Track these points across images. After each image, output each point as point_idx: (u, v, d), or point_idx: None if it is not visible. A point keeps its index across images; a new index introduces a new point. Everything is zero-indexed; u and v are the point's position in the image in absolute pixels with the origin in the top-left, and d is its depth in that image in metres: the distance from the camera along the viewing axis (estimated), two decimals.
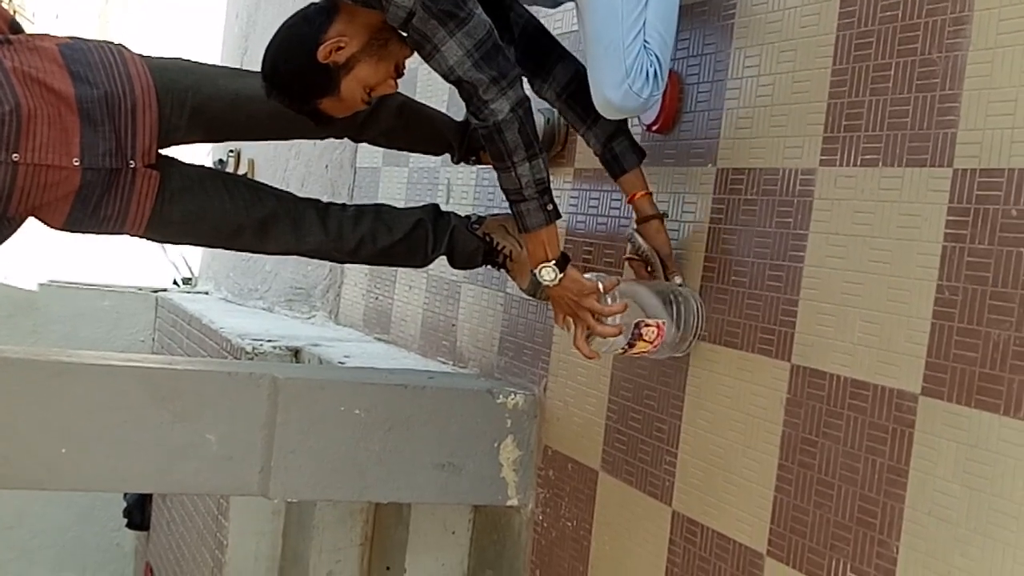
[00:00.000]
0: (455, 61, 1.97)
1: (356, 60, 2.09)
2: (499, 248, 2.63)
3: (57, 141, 2.26)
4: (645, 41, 2.11)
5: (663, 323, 2.17)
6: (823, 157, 1.97)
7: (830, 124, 1.96)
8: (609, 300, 2.11)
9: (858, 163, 1.90)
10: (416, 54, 2.11)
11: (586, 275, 2.16)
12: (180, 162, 2.49)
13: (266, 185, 2.66)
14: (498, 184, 2.11)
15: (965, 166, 1.70)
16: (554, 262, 2.09)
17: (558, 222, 2.13)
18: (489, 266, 2.72)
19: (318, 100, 2.14)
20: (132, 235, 2.46)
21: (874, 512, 1.81)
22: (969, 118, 1.70)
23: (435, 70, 2.01)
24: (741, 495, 2.11)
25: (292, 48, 2.12)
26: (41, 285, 5.60)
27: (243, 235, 2.53)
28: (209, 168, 2.66)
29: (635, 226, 2.31)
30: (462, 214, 2.73)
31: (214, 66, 2.61)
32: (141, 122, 2.34)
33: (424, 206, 2.71)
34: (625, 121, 2.32)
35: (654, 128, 2.40)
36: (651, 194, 2.31)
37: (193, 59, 2.55)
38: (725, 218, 2.21)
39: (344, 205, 2.67)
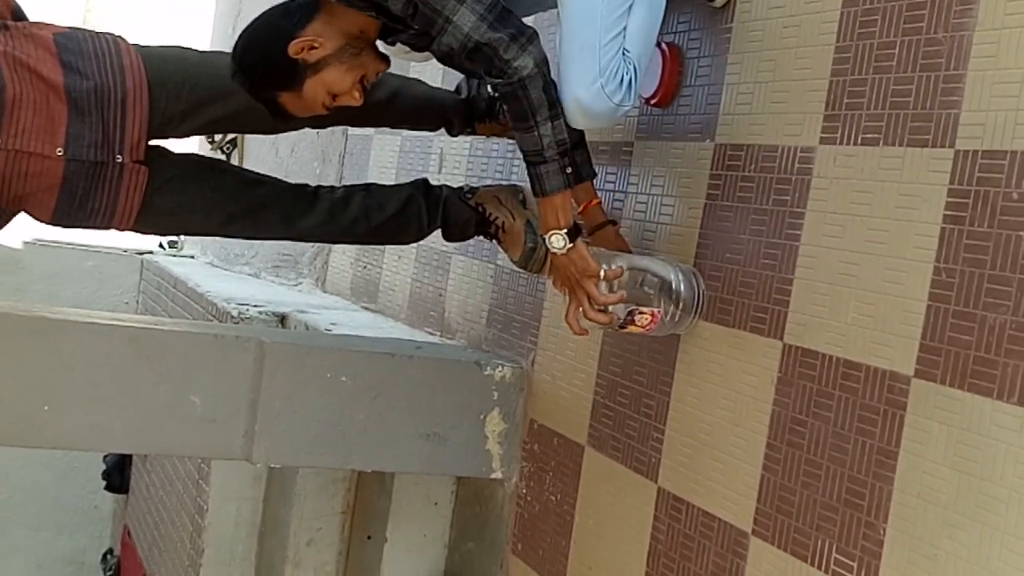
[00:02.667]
0: (471, 27, 1.95)
1: (326, 63, 2.09)
2: (492, 219, 2.61)
3: (42, 129, 2.23)
4: (625, 49, 2.08)
5: (658, 312, 2.16)
6: (823, 135, 1.95)
7: (831, 102, 1.94)
8: (604, 288, 2.09)
9: (858, 142, 1.88)
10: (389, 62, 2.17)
11: (597, 249, 2.13)
12: (169, 152, 2.46)
13: (256, 172, 2.65)
14: (517, 146, 2.08)
15: (967, 147, 1.68)
16: (565, 231, 2.07)
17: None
18: (481, 237, 2.70)
19: (278, 92, 2.14)
20: (121, 229, 2.44)
21: (862, 494, 1.80)
22: (973, 99, 1.68)
23: (449, 44, 1.98)
24: (728, 473, 2.10)
25: (266, 36, 2.13)
26: (25, 243, 5.56)
27: (234, 223, 2.53)
28: (199, 156, 2.62)
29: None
30: (453, 186, 2.71)
31: (218, 55, 2.56)
32: (131, 116, 2.31)
33: (414, 181, 2.69)
34: (584, 134, 2.32)
35: (652, 102, 2.38)
36: (601, 203, 2.38)
37: (195, 49, 2.52)
38: (721, 194, 2.19)
39: (332, 187, 2.66)
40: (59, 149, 2.25)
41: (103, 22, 9.90)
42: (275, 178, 2.64)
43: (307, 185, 2.64)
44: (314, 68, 2.09)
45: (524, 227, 2.55)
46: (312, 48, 2.08)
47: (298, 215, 2.56)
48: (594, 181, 2.36)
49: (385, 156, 3.84)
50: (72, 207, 2.33)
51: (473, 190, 2.66)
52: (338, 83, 2.12)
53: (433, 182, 2.70)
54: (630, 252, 2.33)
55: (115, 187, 2.33)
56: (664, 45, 2.34)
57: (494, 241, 2.67)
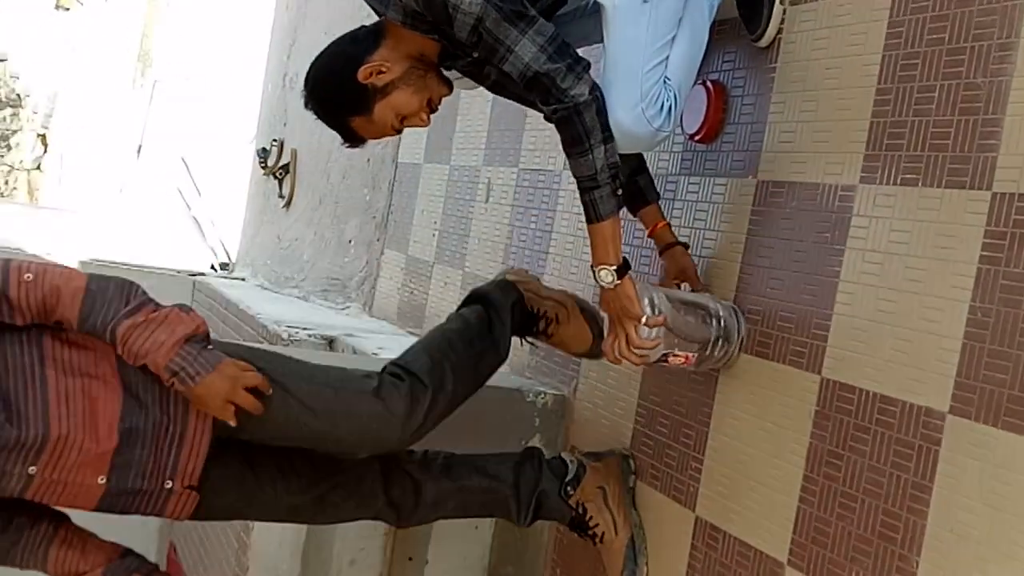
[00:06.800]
0: (531, 57, 2.01)
1: (394, 86, 2.16)
2: (592, 525, 2.44)
3: (86, 465, 2.03)
4: (666, 77, 2.15)
5: (692, 355, 2.21)
6: (863, 174, 1.99)
7: (872, 142, 1.99)
8: (644, 332, 2.13)
9: (898, 182, 1.92)
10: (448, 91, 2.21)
11: (643, 286, 2.17)
12: (230, 444, 2.18)
13: (329, 456, 2.33)
14: (572, 174, 2.12)
15: (1004, 190, 1.72)
16: (615, 267, 2.11)
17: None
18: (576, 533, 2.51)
19: (350, 117, 2.20)
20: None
21: (896, 527, 1.83)
22: (1010, 143, 1.72)
23: (510, 72, 2.05)
24: (765, 504, 2.13)
25: (336, 64, 2.20)
26: (82, 263, 5.68)
27: (299, 514, 2.37)
28: (263, 448, 2.25)
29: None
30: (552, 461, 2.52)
31: (298, 365, 2.24)
32: (187, 450, 2.10)
33: (505, 466, 2.48)
34: (645, 159, 2.39)
35: (697, 138, 2.43)
36: (670, 225, 2.41)
37: (282, 353, 2.30)
38: (763, 230, 2.23)
39: (407, 475, 2.40)
40: (102, 478, 2.05)
41: (162, 60, 10.09)
42: (349, 461, 2.35)
43: (374, 461, 2.37)
44: (383, 92, 2.16)
45: (626, 549, 2.43)
46: (380, 72, 2.14)
47: (366, 502, 2.36)
48: (660, 204, 2.41)
49: (433, 185, 3.91)
50: (115, 511, 2.16)
51: (578, 477, 2.46)
52: (406, 105, 2.18)
53: (526, 466, 2.48)
54: (695, 273, 2.35)
55: (161, 505, 2.15)
56: (709, 82, 2.39)
57: (587, 540, 2.48)
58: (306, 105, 2.26)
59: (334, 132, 2.28)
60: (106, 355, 2.04)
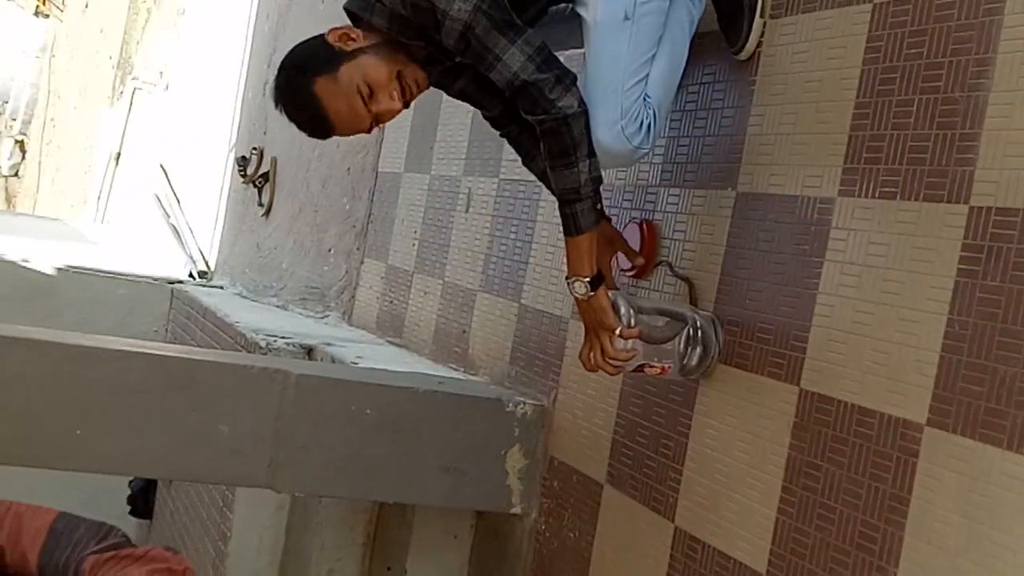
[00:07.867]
0: (519, 66, 2.01)
1: (363, 52, 2.10)
2: None
3: None
4: (646, 95, 2.16)
5: (668, 366, 2.24)
6: (842, 187, 2.01)
7: (850, 155, 2.00)
8: (619, 344, 2.15)
9: (876, 195, 1.93)
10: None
11: (616, 297, 2.17)
12: None
13: None
14: (554, 186, 2.11)
15: (981, 204, 1.73)
16: (588, 279, 2.12)
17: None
18: None
19: (314, 79, 2.09)
20: None
21: (874, 538, 1.84)
22: (987, 157, 1.73)
23: (496, 80, 2.05)
24: (743, 514, 2.14)
25: (305, 43, 2.18)
26: (58, 270, 5.65)
27: None
28: None
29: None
30: None
31: None
32: None
33: None
34: None
35: (631, 274, 2.51)
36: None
37: None
38: (741, 242, 2.24)
39: None
40: None
41: (141, 66, 10.06)
42: None
43: None
44: (351, 56, 2.09)
45: None
46: (351, 39, 2.10)
47: None
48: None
49: (414, 194, 3.91)
50: None
51: None
52: (374, 71, 2.08)
53: None
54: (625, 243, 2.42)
55: None
56: (644, 223, 2.48)
57: None
58: (276, 104, 2.17)
59: (308, 137, 2.20)
60: None
